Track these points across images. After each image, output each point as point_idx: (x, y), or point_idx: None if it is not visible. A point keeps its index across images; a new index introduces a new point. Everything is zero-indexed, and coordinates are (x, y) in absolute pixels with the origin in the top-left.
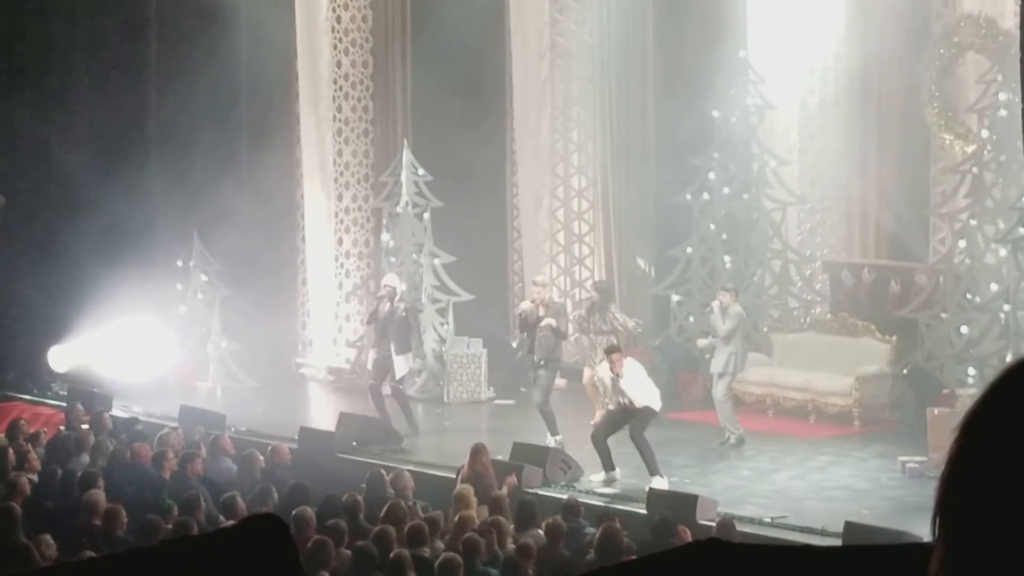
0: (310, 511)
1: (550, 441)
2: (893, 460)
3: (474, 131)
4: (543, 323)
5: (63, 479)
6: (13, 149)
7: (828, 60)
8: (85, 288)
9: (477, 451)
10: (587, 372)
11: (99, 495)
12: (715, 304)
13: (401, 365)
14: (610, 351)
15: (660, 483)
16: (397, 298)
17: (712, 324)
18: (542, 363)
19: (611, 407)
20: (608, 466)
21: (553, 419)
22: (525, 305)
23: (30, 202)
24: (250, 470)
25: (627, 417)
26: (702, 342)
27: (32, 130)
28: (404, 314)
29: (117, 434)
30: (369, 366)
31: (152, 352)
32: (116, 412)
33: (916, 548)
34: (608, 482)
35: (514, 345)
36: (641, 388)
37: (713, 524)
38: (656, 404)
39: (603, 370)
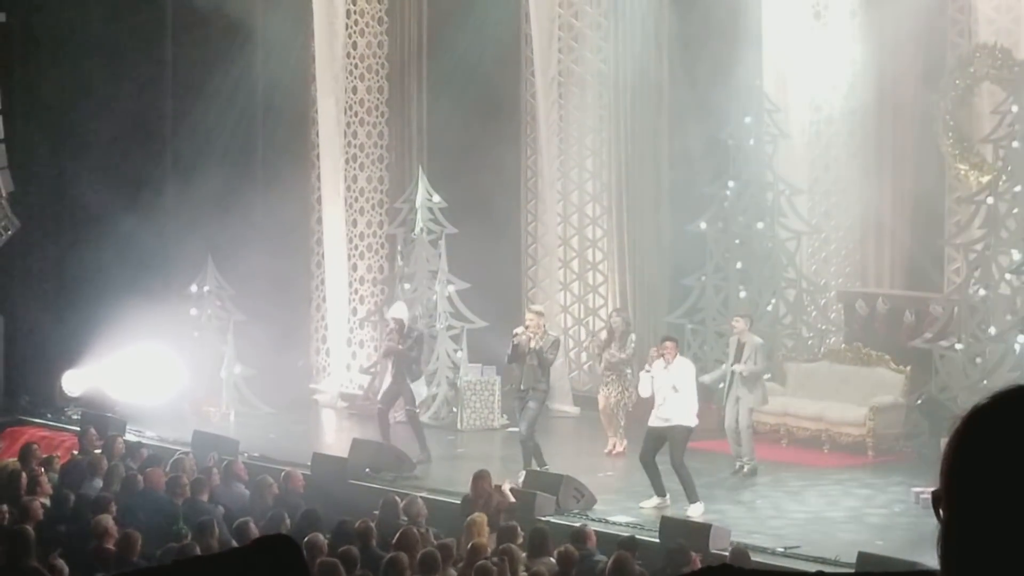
0: (322, 537)
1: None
2: (907, 490)
3: (489, 158)
4: (528, 352)
5: (76, 504)
6: (28, 175)
7: (843, 90)
8: (99, 313)
9: (478, 477)
10: (602, 398)
11: (108, 520)
12: (735, 329)
13: (418, 391)
14: (665, 339)
15: (696, 510)
16: (406, 329)
17: (728, 352)
18: (528, 392)
19: (649, 424)
20: (660, 491)
21: (539, 451)
22: (520, 331)
23: (45, 227)
24: (263, 496)
25: (664, 435)
26: (706, 378)
27: (47, 156)
28: (411, 342)
29: (132, 460)
30: (380, 393)
31: (166, 377)
32: (129, 437)
33: (926, 574)
34: (660, 508)
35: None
36: (687, 386)
37: (726, 553)
38: (692, 421)
39: (652, 368)
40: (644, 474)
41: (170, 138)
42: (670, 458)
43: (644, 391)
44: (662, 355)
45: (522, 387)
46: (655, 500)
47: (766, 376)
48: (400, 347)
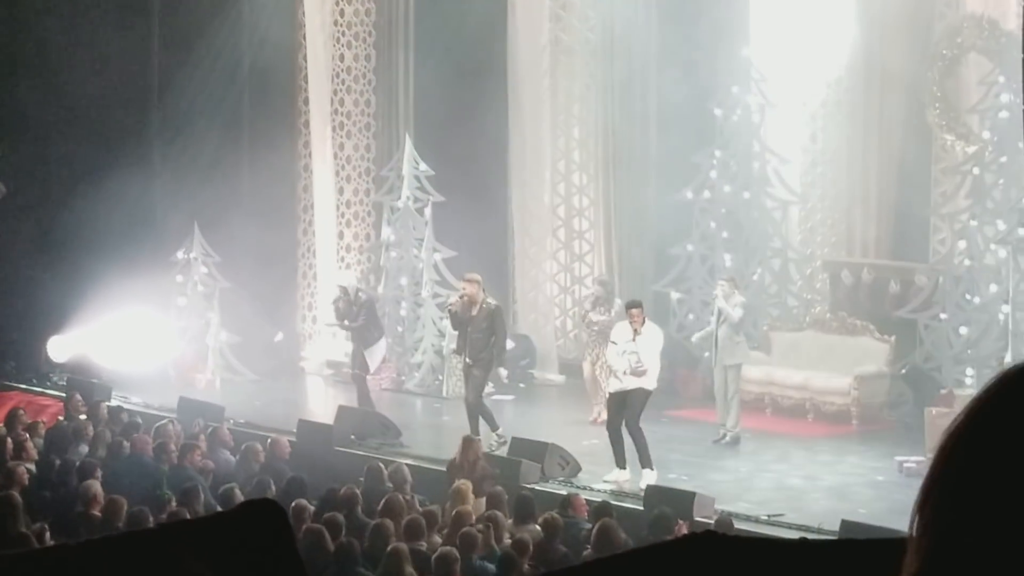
0: (308, 504)
1: (492, 438)
2: (891, 459)
3: (476, 127)
4: (467, 321)
5: (61, 469)
6: (14, 139)
7: (830, 59)
8: (85, 279)
9: (467, 443)
10: (587, 367)
11: (95, 486)
12: (718, 291)
13: (373, 358)
14: (631, 305)
15: (650, 476)
16: (352, 297)
17: (720, 311)
18: (471, 362)
19: (610, 390)
20: (621, 463)
21: (491, 415)
22: (454, 300)
23: (31, 192)
24: (248, 462)
25: (624, 400)
26: (695, 337)
27: (33, 120)
28: (357, 309)
29: (114, 425)
30: (349, 359)
31: (151, 344)
32: (115, 403)
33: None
34: (618, 481)
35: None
36: (652, 355)
37: (711, 521)
38: (651, 385)
39: (618, 330)
40: (629, 442)
41: (157, 104)
42: (626, 420)
43: (616, 364)
44: (632, 322)
45: (467, 360)
46: (616, 473)
47: (751, 345)
48: (349, 323)
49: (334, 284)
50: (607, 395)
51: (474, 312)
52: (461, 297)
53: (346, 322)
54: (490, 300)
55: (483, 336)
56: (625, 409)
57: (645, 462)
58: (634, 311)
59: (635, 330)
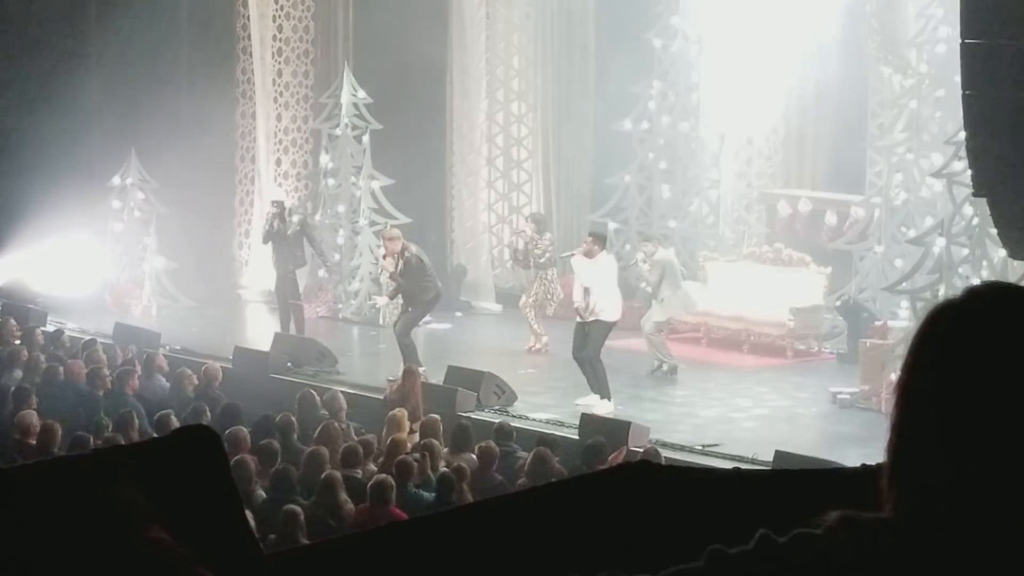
0: (244, 431)
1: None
2: (825, 390)
3: (415, 55)
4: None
5: None
6: None
7: None
8: (20, 203)
9: (408, 373)
10: (523, 299)
11: (31, 415)
12: (639, 256)
13: (300, 280)
14: (592, 234)
15: (605, 407)
16: (287, 213)
17: (642, 275)
18: (408, 309)
19: (577, 319)
20: (595, 389)
21: (414, 350)
22: (385, 263)
23: None
24: (183, 389)
25: (586, 330)
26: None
27: None
28: (298, 228)
29: (47, 349)
30: (272, 287)
31: (87, 269)
32: (50, 328)
33: (842, 472)
34: (591, 407)
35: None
36: (600, 284)
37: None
38: (612, 316)
39: (577, 260)
40: (565, 371)
41: (95, 25)
42: (587, 352)
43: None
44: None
45: (408, 308)
46: (590, 398)
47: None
48: (278, 228)
49: (269, 200)
50: (575, 322)
51: (399, 266)
52: (384, 258)
53: (289, 232)
54: (410, 249)
55: (407, 287)
56: (587, 340)
57: (604, 393)
58: (588, 239)
59: (585, 254)
